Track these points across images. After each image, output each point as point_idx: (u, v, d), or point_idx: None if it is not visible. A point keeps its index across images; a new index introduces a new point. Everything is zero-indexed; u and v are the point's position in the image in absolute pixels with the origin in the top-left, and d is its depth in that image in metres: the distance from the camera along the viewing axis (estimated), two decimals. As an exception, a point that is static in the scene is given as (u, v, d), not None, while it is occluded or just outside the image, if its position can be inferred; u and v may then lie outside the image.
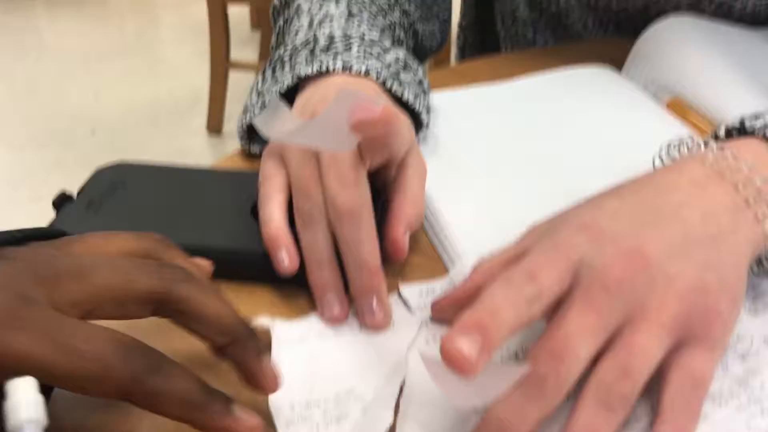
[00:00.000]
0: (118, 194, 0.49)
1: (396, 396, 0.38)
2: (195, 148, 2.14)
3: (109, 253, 0.35)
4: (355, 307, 0.43)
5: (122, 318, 0.33)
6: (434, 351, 0.38)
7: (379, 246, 0.43)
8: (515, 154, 0.56)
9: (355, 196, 0.42)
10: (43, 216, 0.47)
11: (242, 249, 0.45)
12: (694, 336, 0.35)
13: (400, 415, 0.37)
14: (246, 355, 0.34)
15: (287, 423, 0.36)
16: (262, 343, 0.35)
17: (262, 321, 0.41)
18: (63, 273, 0.31)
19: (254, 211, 0.46)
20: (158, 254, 0.37)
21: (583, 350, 0.33)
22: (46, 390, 0.32)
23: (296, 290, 0.45)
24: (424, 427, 0.36)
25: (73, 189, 0.50)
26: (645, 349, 0.33)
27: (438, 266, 0.47)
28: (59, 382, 0.30)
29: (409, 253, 0.46)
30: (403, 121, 0.47)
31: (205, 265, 0.41)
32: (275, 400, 0.37)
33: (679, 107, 0.60)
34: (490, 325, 0.32)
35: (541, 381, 0.32)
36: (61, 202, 0.49)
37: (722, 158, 0.39)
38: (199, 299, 0.33)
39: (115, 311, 0.32)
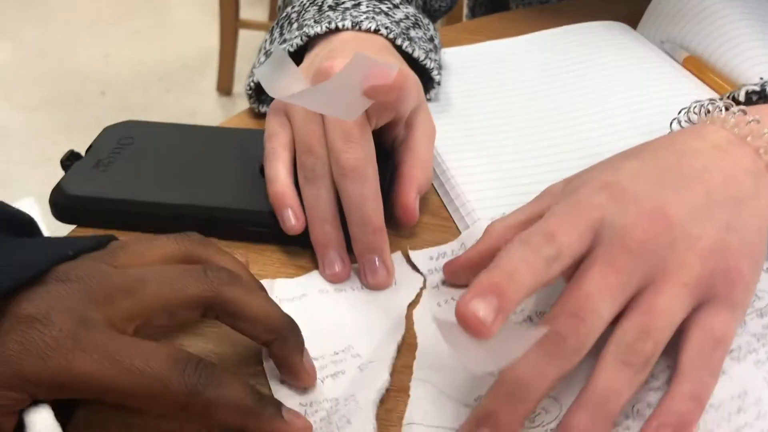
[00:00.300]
0: (126, 153, 0.49)
1: (394, 355, 0.38)
2: (205, 109, 2.13)
3: (152, 259, 0.35)
4: (358, 265, 0.43)
5: (173, 323, 0.34)
6: (448, 314, 0.38)
7: (388, 208, 0.43)
8: (528, 111, 0.55)
9: (360, 153, 0.41)
10: (53, 176, 0.46)
11: (250, 209, 0.45)
12: (716, 296, 0.34)
13: (413, 379, 0.37)
14: (288, 352, 0.35)
15: (281, 380, 0.37)
16: (302, 338, 0.36)
17: (264, 283, 0.41)
18: (116, 291, 0.32)
19: (263, 170, 0.45)
20: (197, 254, 0.37)
21: (603, 310, 0.33)
22: (67, 411, 0.33)
23: (304, 250, 0.44)
24: (438, 390, 0.36)
25: (84, 150, 0.50)
26: (666, 310, 0.33)
27: (449, 226, 0.47)
28: (121, 400, 0.31)
29: (419, 214, 0.45)
30: (412, 81, 0.47)
31: (242, 259, 0.41)
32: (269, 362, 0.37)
33: (696, 65, 0.59)
34: (507, 288, 0.32)
35: (561, 340, 0.32)
36: (70, 160, 0.48)
37: (744, 122, 0.38)
38: (245, 300, 0.34)
39: (167, 319, 0.34)
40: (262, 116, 0.56)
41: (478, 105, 0.56)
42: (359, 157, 0.41)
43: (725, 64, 0.57)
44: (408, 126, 0.47)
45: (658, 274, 0.34)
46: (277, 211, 0.43)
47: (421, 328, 0.40)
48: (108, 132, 0.51)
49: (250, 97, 0.55)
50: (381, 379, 0.37)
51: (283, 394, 0.36)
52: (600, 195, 0.35)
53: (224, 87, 2.17)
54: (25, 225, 0.38)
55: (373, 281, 0.42)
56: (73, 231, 0.46)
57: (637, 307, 0.33)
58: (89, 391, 0.31)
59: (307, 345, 0.37)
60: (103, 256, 0.35)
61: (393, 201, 0.45)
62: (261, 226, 0.44)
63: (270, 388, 0.37)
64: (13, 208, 0.37)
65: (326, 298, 0.42)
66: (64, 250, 0.34)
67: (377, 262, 0.42)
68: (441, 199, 0.49)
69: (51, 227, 0.45)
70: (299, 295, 0.42)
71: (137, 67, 2.31)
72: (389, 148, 0.48)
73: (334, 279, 0.43)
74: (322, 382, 0.37)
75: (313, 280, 0.43)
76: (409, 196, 0.44)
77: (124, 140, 0.50)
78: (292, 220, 0.43)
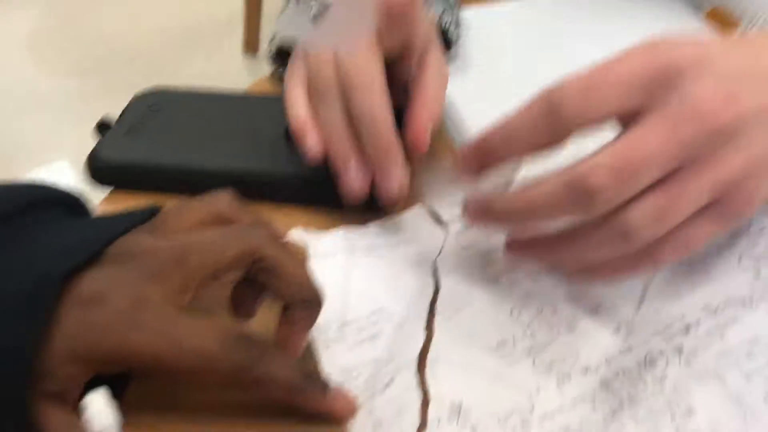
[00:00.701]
0: (156, 119, 0.51)
1: (426, 313, 0.39)
2: (232, 70, 2.14)
3: (189, 224, 0.36)
4: (374, 175, 0.43)
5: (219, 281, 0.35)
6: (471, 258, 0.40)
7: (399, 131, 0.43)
8: (546, 71, 0.55)
9: (366, 67, 0.41)
10: (86, 141, 0.48)
11: (276, 171, 0.46)
12: (724, 209, 0.34)
13: (437, 320, 0.39)
14: (304, 318, 0.36)
15: (325, 344, 0.38)
16: (318, 313, 0.36)
17: (294, 234, 0.43)
18: (165, 265, 0.33)
19: (288, 135, 0.47)
20: (229, 215, 0.37)
21: (648, 177, 0.32)
22: (119, 389, 0.35)
23: (330, 211, 0.46)
24: (461, 330, 0.38)
25: (114, 115, 0.52)
26: (688, 202, 0.33)
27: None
28: (174, 375, 0.33)
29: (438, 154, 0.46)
30: (423, 11, 0.46)
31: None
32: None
33: (720, 17, 0.59)
34: None
35: (591, 194, 0.33)
36: (102, 128, 0.50)
37: None
38: (283, 257, 0.35)
39: (214, 281, 0.35)
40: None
41: (494, 65, 0.57)
42: (365, 71, 0.41)
43: (752, 15, 0.56)
44: (420, 65, 0.47)
45: (706, 158, 0.33)
46: (299, 139, 0.43)
47: (445, 272, 0.41)
48: (137, 100, 0.53)
49: (273, 62, 0.56)
50: (418, 338, 0.38)
51: (326, 358, 0.37)
52: (685, 50, 0.34)
53: (251, 47, 2.18)
54: (75, 204, 0.39)
55: (387, 193, 0.42)
56: (110, 194, 0.48)
57: (665, 186, 0.33)
58: (144, 367, 0.33)
59: (338, 307, 0.38)
60: (148, 229, 0.36)
61: (405, 127, 0.44)
62: (288, 189, 0.46)
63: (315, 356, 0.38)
64: (62, 188, 0.39)
65: (356, 260, 0.43)
66: (116, 230, 0.35)
67: (391, 174, 0.42)
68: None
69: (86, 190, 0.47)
70: (332, 253, 0.43)
71: (164, 30, 2.32)
72: (402, 87, 0.48)
73: (354, 193, 0.43)
74: (360, 345, 0.38)
75: (343, 238, 0.44)
76: (421, 121, 0.44)
77: (153, 107, 0.52)
78: (314, 148, 0.43)
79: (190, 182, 0.47)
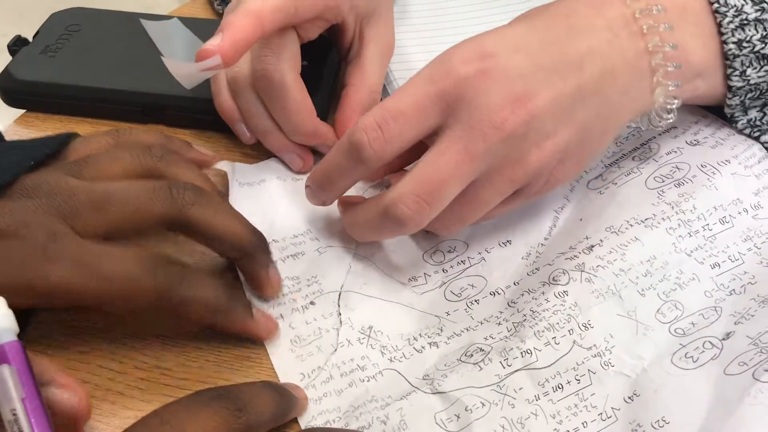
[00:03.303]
0: (74, 39, 0.49)
1: (352, 245, 0.40)
2: None
3: (115, 173, 0.35)
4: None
5: (140, 235, 0.35)
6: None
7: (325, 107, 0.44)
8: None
9: (273, 60, 0.40)
10: (2, 63, 0.47)
11: (196, 96, 0.45)
12: (524, 193, 0.37)
13: (354, 255, 0.39)
14: (255, 267, 0.36)
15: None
16: (270, 253, 0.37)
17: (221, 165, 0.43)
18: (81, 207, 0.32)
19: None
20: (161, 170, 0.37)
21: (449, 196, 0.34)
22: (24, 316, 0.34)
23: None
24: (375, 266, 0.39)
25: (30, 34, 0.50)
26: (484, 201, 0.36)
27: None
28: (96, 304, 0.32)
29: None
30: None
31: (210, 155, 0.42)
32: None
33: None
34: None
35: (403, 222, 0.34)
36: (17, 45, 0.49)
37: (649, 7, 0.36)
38: (211, 219, 0.34)
39: (133, 233, 0.34)
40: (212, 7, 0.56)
41: (439, 16, 0.54)
42: (272, 65, 0.40)
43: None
44: (360, 39, 0.45)
45: (500, 165, 0.34)
46: (228, 123, 0.44)
47: None
48: (55, 18, 0.51)
49: None
50: (344, 263, 0.39)
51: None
52: (471, 65, 0.34)
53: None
54: None
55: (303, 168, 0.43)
56: (22, 116, 0.47)
57: (464, 198, 0.35)
58: (64, 298, 0.32)
59: (266, 228, 0.38)
60: (69, 168, 0.35)
61: (335, 127, 0.44)
62: (207, 114, 0.45)
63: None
64: None
65: (285, 185, 0.43)
66: (26, 160, 0.34)
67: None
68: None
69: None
70: (258, 181, 0.43)
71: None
72: (341, 61, 0.47)
73: (299, 172, 0.44)
74: (284, 261, 0.39)
75: (272, 166, 0.44)
76: (350, 120, 0.43)
77: (71, 27, 0.50)
78: (246, 134, 0.44)
79: (107, 104, 0.46)
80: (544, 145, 0.35)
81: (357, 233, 0.38)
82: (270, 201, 0.42)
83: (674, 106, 0.37)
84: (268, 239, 0.37)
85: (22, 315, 0.28)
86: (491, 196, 0.35)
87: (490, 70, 0.34)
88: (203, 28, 0.49)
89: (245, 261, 0.36)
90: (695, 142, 0.41)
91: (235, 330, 0.35)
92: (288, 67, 0.40)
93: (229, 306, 0.34)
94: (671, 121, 0.38)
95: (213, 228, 0.34)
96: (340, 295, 0.37)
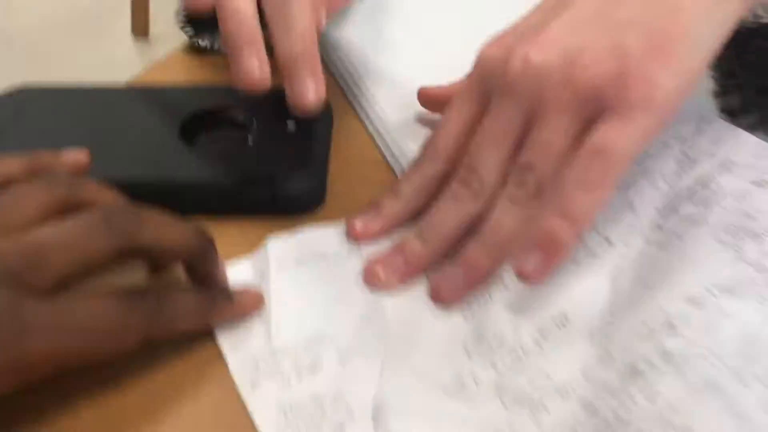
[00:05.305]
0: (24, 122, 0.43)
1: (377, 344, 0.33)
2: (121, 56, 2.01)
3: (29, 214, 0.31)
4: (285, 83, 0.38)
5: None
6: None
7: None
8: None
9: None
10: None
11: (173, 177, 0.39)
12: (607, 108, 0.32)
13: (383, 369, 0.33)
14: (206, 267, 0.34)
15: (252, 384, 0.32)
16: (216, 250, 0.35)
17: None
18: (18, 271, 0.28)
19: (183, 134, 0.40)
20: (78, 196, 0.33)
21: (490, 159, 0.35)
22: None
23: (238, 221, 0.39)
24: (413, 370, 0.32)
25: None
26: (545, 142, 0.33)
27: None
28: (83, 362, 0.30)
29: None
30: None
31: (81, 156, 0.37)
32: (234, 363, 0.33)
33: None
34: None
35: (463, 187, 0.36)
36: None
37: None
38: (158, 237, 0.32)
39: (84, 275, 0.31)
40: (189, 61, 0.50)
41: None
42: None
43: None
44: None
45: (538, 107, 0.34)
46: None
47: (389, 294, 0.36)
48: (1, 100, 0.44)
49: (185, 28, 0.49)
50: (369, 377, 0.32)
51: (256, 398, 0.32)
52: (515, 63, 0.34)
53: (140, 29, 2.05)
54: None
55: (302, 99, 0.38)
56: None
57: (523, 146, 0.34)
58: (48, 371, 0.29)
59: (274, 332, 0.34)
60: None
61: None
62: (187, 197, 0.39)
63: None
64: None
65: (286, 275, 0.36)
66: None
67: (307, 76, 0.38)
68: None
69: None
70: (257, 278, 0.37)
71: (44, 14, 2.16)
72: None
73: (252, 83, 0.38)
74: (300, 379, 0.32)
75: (265, 256, 0.37)
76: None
77: (21, 108, 0.43)
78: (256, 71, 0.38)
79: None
80: (578, 62, 0.33)
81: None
82: (269, 302, 0.35)
83: None
84: (273, 350, 0.33)
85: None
86: (547, 136, 0.34)
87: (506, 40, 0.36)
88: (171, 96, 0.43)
89: (196, 263, 0.34)
90: (763, 183, 0.36)
91: (225, 320, 0.34)
92: None
93: (213, 303, 0.34)
94: None
95: (162, 244, 0.32)
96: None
